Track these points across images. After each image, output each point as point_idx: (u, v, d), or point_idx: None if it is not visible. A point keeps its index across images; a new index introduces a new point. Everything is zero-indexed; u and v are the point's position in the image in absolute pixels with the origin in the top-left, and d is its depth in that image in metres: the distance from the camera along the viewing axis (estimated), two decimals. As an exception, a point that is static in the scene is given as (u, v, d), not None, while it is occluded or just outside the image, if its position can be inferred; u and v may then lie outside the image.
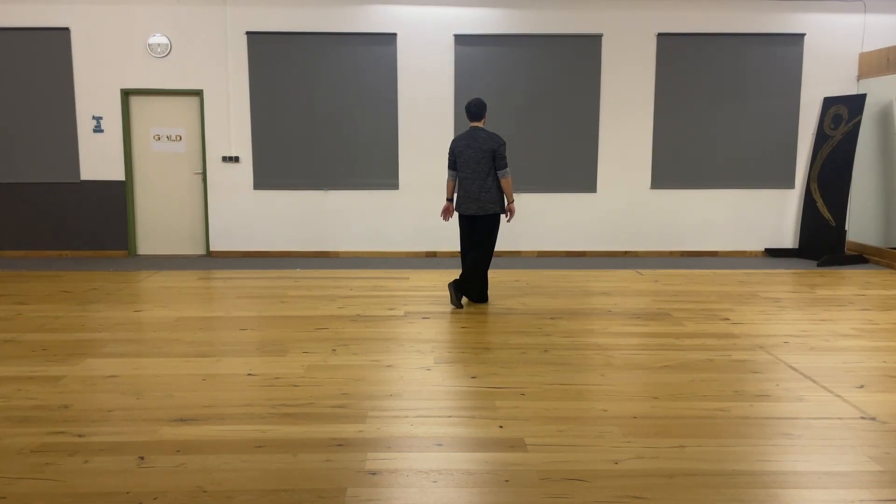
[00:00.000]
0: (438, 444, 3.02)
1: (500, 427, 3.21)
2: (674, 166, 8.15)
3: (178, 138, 8.03)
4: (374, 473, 2.75)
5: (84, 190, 8.01)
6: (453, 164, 5.58)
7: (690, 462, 2.86)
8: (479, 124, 5.50)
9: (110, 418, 3.31)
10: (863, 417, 3.34)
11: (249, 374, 3.95)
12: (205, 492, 2.61)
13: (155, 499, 2.56)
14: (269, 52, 7.85)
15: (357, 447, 2.99)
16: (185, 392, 3.66)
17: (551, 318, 5.22)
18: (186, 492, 2.61)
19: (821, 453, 2.94)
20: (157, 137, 8.02)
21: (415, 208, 8.13)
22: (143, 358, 4.25)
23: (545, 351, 4.40)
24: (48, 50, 7.79)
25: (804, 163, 8.21)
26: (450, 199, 5.69)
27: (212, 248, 8.14)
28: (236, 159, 7.99)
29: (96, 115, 7.89)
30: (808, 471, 2.78)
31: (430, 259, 7.99)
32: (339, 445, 3.01)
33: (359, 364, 4.13)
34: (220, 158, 7.99)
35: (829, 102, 8.02)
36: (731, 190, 8.21)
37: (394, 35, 7.86)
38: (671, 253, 8.29)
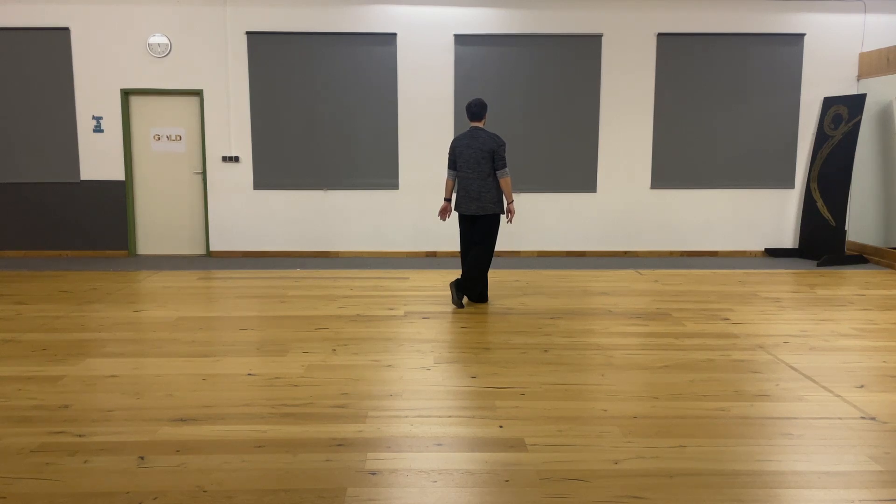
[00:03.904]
0: (438, 444, 3.02)
1: (500, 427, 3.21)
2: (674, 166, 8.15)
3: (178, 138, 8.03)
4: (374, 473, 2.75)
5: (84, 190, 8.01)
6: (453, 164, 5.58)
7: (690, 462, 2.86)
8: (480, 124, 5.50)
9: (110, 418, 3.31)
10: (863, 417, 3.34)
11: (249, 374, 3.95)
12: (205, 492, 2.61)
13: (155, 499, 2.56)
14: (269, 52, 7.85)
15: (357, 447, 2.99)
16: (185, 392, 3.66)
17: (551, 318, 5.22)
18: (186, 492, 2.61)
19: (821, 453, 2.94)
20: (157, 137, 8.02)
21: (415, 208, 8.12)
22: (143, 358, 4.25)
23: (545, 351, 4.40)
24: (48, 50, 7.79)
25: (804, 163, 8.21)
26: (447, 199, 5.69)
27: (212, 248, 8.14)
28: (236, 159, 7.99)
29: (96, 115, 7.89)
30: (808, 471, 2.78)
31: (430, 259, 7.99)
32: (339, 445, 3.01)
33: (359, 364, 4.13)
34: (220, 158, 8.00)
35: (829, 102, 8.01)
36: (731, 190, 8.21)
37: (394, 35, 7.86)
38: (671, 253, 8.29)
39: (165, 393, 3.65)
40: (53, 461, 2.85)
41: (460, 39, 7.88)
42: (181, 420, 3.29)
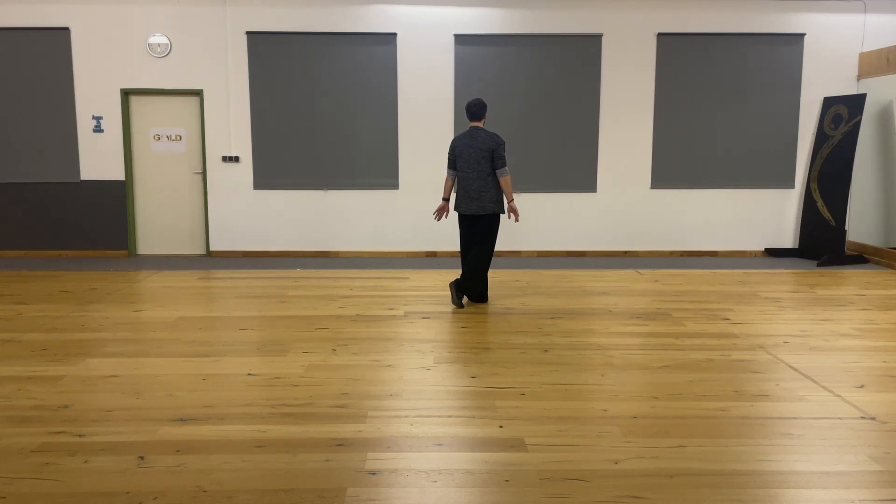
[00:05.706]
0: (438, 444, 3.02)
1: (500, 427, 3.21)
2: (674, 166, 8.15)
3: (178, 138, 8.03)
4: (374, 473, 2.75)
5: (84, 190, 8.01)
6: (453, 164, 5.58)
7: (690, 462, 2.86)
8: (479, 124, 5.50)
9: (110, 418, 3.31)
10: (863, 417, 3.34)
11: (249, 374, 3.95)
12: (205, 492, 2.61)
13: (155, 499, 2.56)
14: (269, 52, 7.85)
15: (357, 447, 2.99)
16: (185, 392, 3.66)
17: (551, 318, 5.22)
18: (186, 492, 2.61)
19: (821, 453, 2.94)
20: (157, 137, 8.02)
21: (415, 208, 8.12)
22: (143, 358, 4.25)
23: (545, 351, 4.40)
24: (48, 50, 7.79)
25: (804, 163, 8.21)
26: (446, 199, 5.68)
27: (212, 248, 8.14)
28: (236, 159, 7.99)
29: (96, 115, 7.89)
30: (808, 471, 2.78)
31: (430, 259, 7.99)
32: (339, 445, 3.01)
33: (359, 364, 4.14)
34: (220, 158, 8.00)
35: (829, 102, 8.02)
36: (731, 190, 8.21)
37: (394, 35, 7.86)
38: (671, 253, 8.29)
39: (165, 393, 3.65)
40: (53, 461, 2.85)
41: (460, 39, 7.88)
42: (181, 420, 3.29)
